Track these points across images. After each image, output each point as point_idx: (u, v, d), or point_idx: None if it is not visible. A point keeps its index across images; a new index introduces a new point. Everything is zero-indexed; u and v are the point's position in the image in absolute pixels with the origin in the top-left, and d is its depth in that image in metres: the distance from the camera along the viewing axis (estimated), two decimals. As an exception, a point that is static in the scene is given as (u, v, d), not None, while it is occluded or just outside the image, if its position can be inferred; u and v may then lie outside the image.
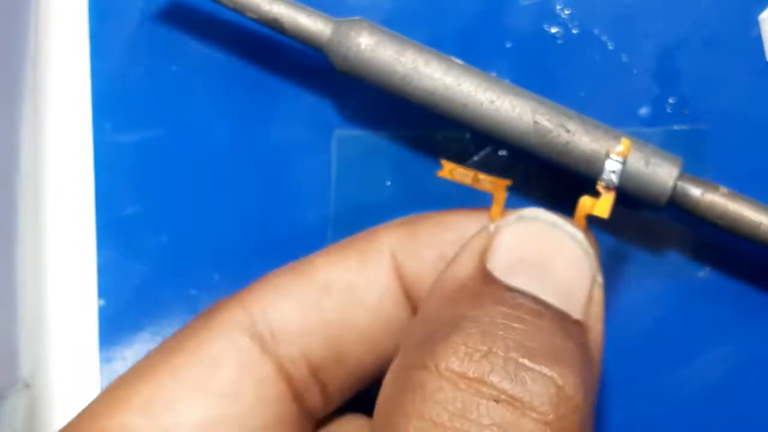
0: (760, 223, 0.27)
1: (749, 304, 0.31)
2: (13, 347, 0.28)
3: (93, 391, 0.32)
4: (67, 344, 0.32)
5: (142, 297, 0.31)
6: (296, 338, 0.25)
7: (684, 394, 0.31)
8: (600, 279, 0.24)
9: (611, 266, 0.31)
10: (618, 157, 0.25)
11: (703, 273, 0.31)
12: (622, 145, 0.26)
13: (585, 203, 0.25)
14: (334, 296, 0.25)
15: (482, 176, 0.26)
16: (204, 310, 0.26)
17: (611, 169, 0.25)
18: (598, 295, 0.23)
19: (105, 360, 0.32)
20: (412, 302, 0.26)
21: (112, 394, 0.24)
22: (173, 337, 0.25)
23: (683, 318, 0.31)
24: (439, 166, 0.25)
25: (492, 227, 0.24)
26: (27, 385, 0.30)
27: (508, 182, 0.26)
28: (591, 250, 0.24)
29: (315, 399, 0.26)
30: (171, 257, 0.31)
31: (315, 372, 0.25)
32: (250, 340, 0.25)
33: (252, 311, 0.25)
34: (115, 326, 0.32)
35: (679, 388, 0.31)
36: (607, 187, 0.25)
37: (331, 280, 0.26)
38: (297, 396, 0.25)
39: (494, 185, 0.26)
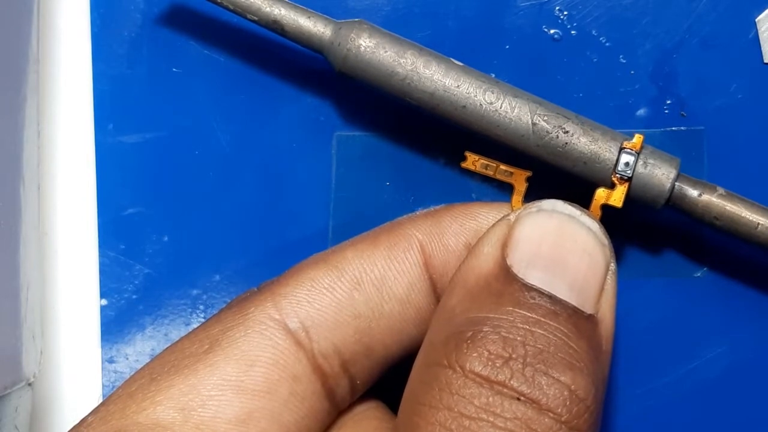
0: (758, 224, 0.27)
1: (746, 304, 0.31)
2: (15, 346, 0.28)
3: (95, 390, 0.32)
4: (70, 343, 0.32)
5: (144, 297, 0.32)
6: (329, 334, 0.26)
7: (681, 392, 0.31)
8: (613, 266, 0.25)
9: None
10: (631, 149, 0.27)
11: (701, 273, 0.31)
12: (635, 138, 0.27)
13: (600, 194, 0.27)
14: (366, 290, 0.26)
15: (504, 167, 0.28)
16: (232, 303, 0.27)
17: (625, 161, 0.27)
18: (611, 283, 0.25)
19: (107, 359, 0.32)
20: (438, 290, 0.27)
21: (145, 387, 0.24)
22: (202, 330, 0.26)
23: (681, 318, 0.31)
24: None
25: (512, 216, 0.25)
26: (29, 384, 0.30)
27: (528, 173, 0.28)
28: (606, 240, 0.25)
29: (344, 392, 0.26)
30: (172, 257, 0.32)
31: (346, 366, 0.26)
32: (285, 337, 0.25)
33: (285, 306, 0.25)
34: (116, 326, 0.32)
35: (677, 387, 0.31)
36: (621, 179, 0.27)
37: (363, 273, 0.26)
38: (329, 391, 0.26)
39: (515, 176, 0.28)
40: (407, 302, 0.26)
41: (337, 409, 0.26)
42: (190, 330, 0.26)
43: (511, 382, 0.22)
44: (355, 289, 0.26)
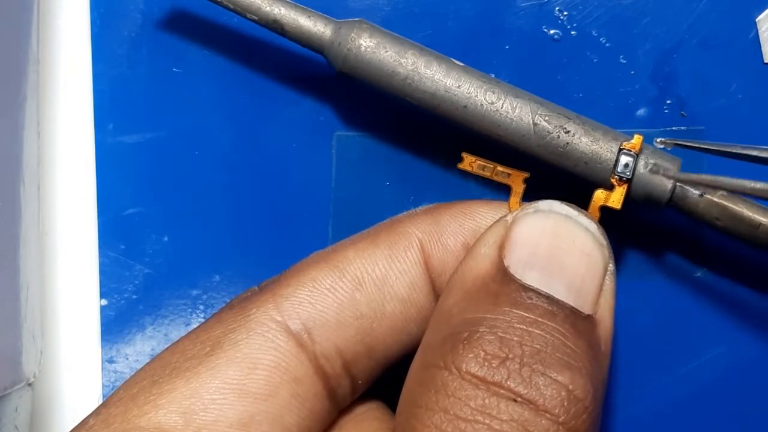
0: (759, 224, 0.27)
1: (746, 304, 0.31)
2: (15, 346, 0.28)
3: (95, 390, 0.32)
4: (70, 343, 0.32)
5: (144, 297, 0.32)
6: (331, 335, 0.25)
7: (681, 392, 0.31)
8: (612, 267, 0.25)
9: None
10: (630, 150, 0.27)
11: (701, 273, 0.31)
12: (635, 138, 0.27)
13: (599, 196, 0.27)
14: (367, 290, 0.26)
15: (501, 168, 0.27)
16: (233, 303, 0.27)
17: (624, 163, 0.27)
18: (610, 284, 0.25)
19: (107, 359, 0.32)
20: (436, 289, 0.27)
21: (147, 389, 0.24)
22: (203, 331, 0.25)
23: (681, 318, 0.31)
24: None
25: (509, 218, 0.25)
26: (29, 384, 0.30)
27: (526, 174, 0.28)
28: (604, 240, 0.25)
29: (345, 392, 0.26)
30: (172, 257, 0.31)
31: (347, 367, 0.26)
32: (287, 339, 0.25)
33: (287, 308, 0.25)
34: (116, 326, 0.32)
35: (677, 387, 0.31)
36: (620, 180, 0.27)
37: (364, 273, 0.26)
38: (330, 392, 0.26)
39: (513, 177, 0.27)
40: (409, 301, 0.26)
41: (338, 408, 0.26)
42: (191, 330, 0.26)
43: (508, 382, 0.22)
44: (356, 290, 0.26)
